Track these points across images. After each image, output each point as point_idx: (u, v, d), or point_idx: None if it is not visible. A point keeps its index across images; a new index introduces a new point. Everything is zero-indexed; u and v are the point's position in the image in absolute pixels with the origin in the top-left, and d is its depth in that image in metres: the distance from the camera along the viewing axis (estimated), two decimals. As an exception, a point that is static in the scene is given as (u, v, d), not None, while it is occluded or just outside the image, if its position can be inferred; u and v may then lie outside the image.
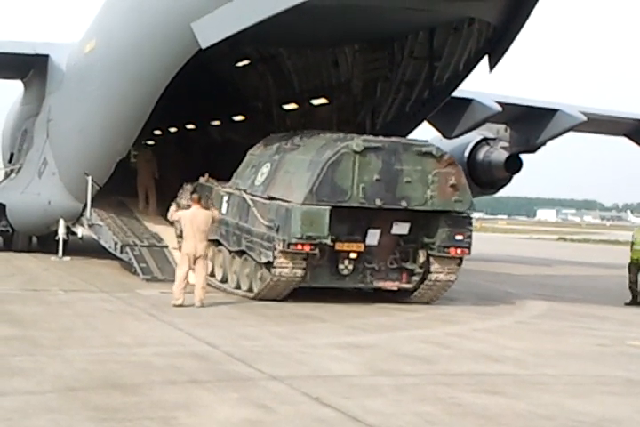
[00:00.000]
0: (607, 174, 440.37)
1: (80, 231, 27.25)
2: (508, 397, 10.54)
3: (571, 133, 32.02)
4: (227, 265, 20.40)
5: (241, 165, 21.37)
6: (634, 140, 34.64)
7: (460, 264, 19.11)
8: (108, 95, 24.19)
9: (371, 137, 18.87)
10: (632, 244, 22.30)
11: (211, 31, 19.64)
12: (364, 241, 18.65)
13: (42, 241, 30.64)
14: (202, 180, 22.85)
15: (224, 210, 20.72)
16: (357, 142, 18.13)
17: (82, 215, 26.28)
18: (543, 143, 31.28)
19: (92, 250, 27.67)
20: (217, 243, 20.77)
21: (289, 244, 17.82)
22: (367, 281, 18.98)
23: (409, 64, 23.92)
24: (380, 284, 19.01)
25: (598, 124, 33.15)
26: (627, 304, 21.93)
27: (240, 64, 31.26)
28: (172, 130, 41.26)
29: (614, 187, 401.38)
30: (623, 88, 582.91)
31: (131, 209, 27.69)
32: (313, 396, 10.06)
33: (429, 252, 18.86)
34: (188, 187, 23.01)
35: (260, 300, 18.70)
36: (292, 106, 30.14)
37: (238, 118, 34.54)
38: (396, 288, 19.15)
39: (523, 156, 32.22)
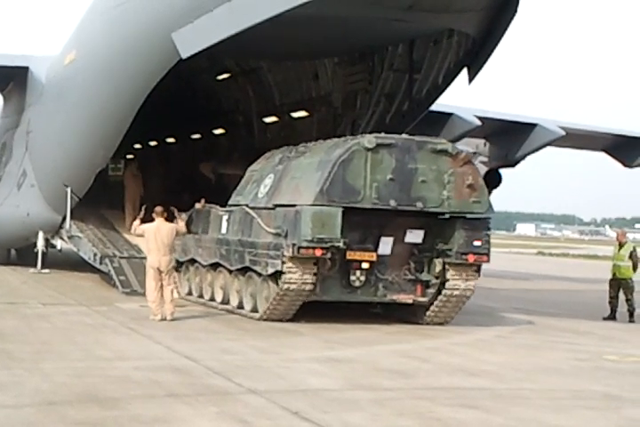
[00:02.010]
0: (586, 189, 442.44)
1: (59, 243, 27.14)
2: (486, 411, 10.54)
3: (549, 148, 32.27)
4: (228, 286, 19.41)
5: (240, 183, 20.51)
6: (612, 155, 34.89)
7: (478, 273, 18.07)
8: (87, 106, 24.17)
9: (383, 134, 17.74)
10: (613, 259, 22.41)
11: (191, 41, 19.69)
12: (376, 250, 17.69)
13: (20, 253, 30.52)
14: (198, 206, 21.67)
15: (224, 230, 19.88)
16: (369, 139, 17.16)
17: (61, 227, 26.20)
18: (522, 158, 31.51)
19: (72, 263, 27.57)
20: (216, 265, 19.84)
21: (299, 248, 16.74)
22: (380, 294, 17.91)
23: (389, 76, 24.08)
24: (394, 296, 17.92)
25: (577, 139, 33.42)
26: (605, 319, 22.00)
27: (221, 77, 31.35)
28: (152, 143, 41.23)
29: (593, 202, 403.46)
30: (602, 103, 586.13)
31: (110, 221, 27.63)
32: (292, 410, 10.03)
33: (445, 260, 17.82)
34: (183, 216, 21.35)
35: (266, 320, 17.74)
36: (273, 119, 30.25)
37: (219, 131, 34.59)
38: (411, 301, 18.05)
39: (502, 170, 32.39)
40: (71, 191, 25.21)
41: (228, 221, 19.86)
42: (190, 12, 19.45)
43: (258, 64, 28.98)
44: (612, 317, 22.03)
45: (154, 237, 17.84)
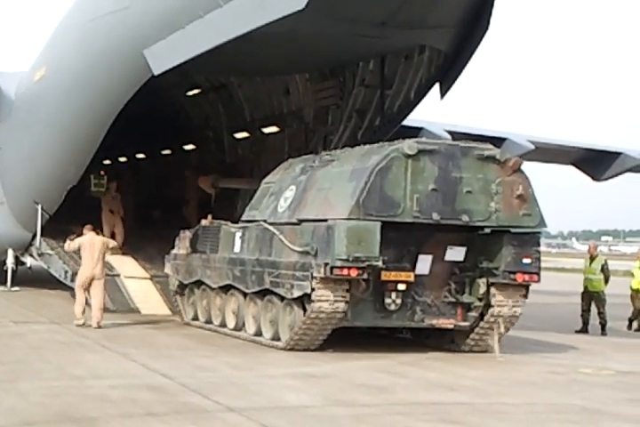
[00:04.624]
0: (552, 202, 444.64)
1: (29, 261, 26.96)
2: (465, 426, 10.53)
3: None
4: (242, 311, 17.64)
5: (255, 197, 18.72)
6: (581, 168, 35.10)
7: (526, 294, 16.45)
8: (58, 123, 24.03)
9: (424, 139, 16.23)
10: (584, 272, 22.49)
11: (163, 58, 19.62)
12: (413, 270, 16.00)
13: (-11, 271, 30.24)
14: (204, 222, 19.83)
15: (237, 249, 17.94)
16: (410, 145, 15.38)
17: (31, 245, 26.04)
18: (491, 172, 31.59)
19: (42, 280, 27.35)
20: (227, 288, 18.16)
21: (332, 268, 14.92)
22: (417, 318, 16.21)
23: (360, 92, 24.09)
24: (433, 321, 16.26)
25: (546, 153, 33.61)
26: (577, 332, 22.07)
27: (191, 93, 31.31)
28: (122, 159, 41.08)
29: (559, 215, 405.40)
30: (571, 117, 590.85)
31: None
32: (272, 428, 9.99)
33: (491, 279, 16.13)
34: (187, 234, 19.88)
35: (291, 350, 16.08)
36: (244, 134, 30.24)
37: (189, 147, 34.51)
38: (451, 326, 16.40)
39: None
40: (42, 208, 25.06)
41: (242, 238, 17.91)
42: (162, 28, 19.38)
43: (228, 80, 28.96)
44: (584, 330, 22.11)
45: (88, 248, 19.13)
